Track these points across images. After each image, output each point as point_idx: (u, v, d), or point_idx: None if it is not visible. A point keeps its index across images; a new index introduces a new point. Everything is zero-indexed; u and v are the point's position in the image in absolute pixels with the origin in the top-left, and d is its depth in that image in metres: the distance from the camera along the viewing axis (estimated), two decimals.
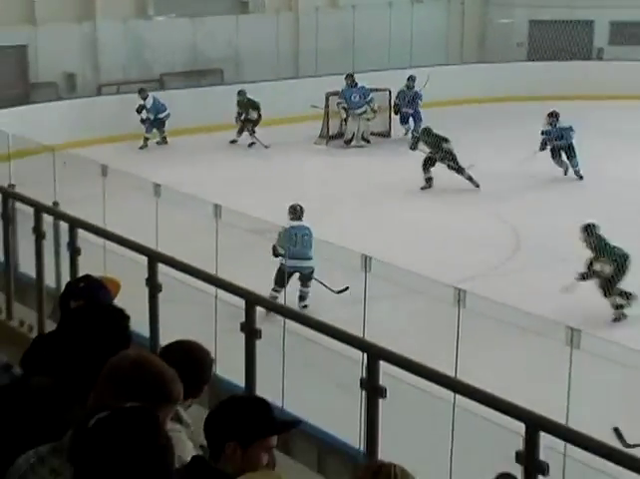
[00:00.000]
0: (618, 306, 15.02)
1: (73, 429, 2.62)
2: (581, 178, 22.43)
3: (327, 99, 25.74)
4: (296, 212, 15.49)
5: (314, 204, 19.25)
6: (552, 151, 22.52)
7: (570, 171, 22.55)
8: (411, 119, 25.63)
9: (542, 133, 22.39)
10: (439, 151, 21.55)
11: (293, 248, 14.80)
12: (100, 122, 24.08)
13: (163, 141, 25.27)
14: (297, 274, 14.75)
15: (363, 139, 25.45)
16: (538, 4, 30.68)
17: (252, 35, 28.39)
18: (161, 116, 24.72)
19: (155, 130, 24.95)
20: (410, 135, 25.21)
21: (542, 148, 22.40)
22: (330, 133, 25.88)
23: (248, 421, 3.93)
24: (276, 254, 14.67)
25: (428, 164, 21.68)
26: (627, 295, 15.21)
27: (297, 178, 21.82)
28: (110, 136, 23.66)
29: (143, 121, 24.87)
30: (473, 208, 19.82)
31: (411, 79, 25.67)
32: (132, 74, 27.00)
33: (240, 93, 25.25)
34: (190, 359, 4.26)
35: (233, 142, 25.50)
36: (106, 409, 2.56)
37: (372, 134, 25.66)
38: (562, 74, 28.90)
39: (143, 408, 2.65)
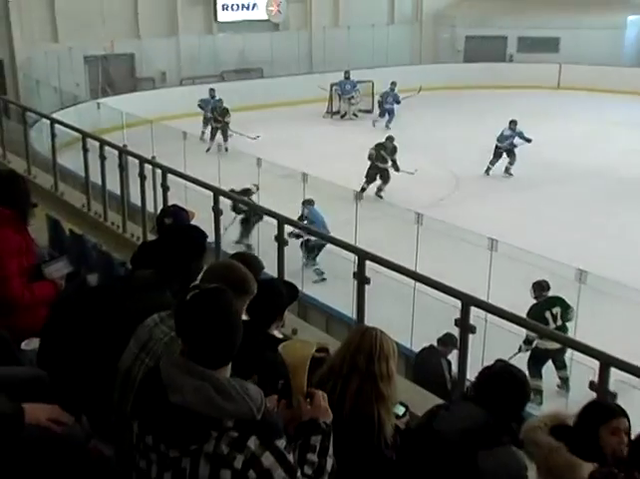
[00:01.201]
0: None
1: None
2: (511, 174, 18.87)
3: (331, 87, 25.56)
4: (311, 202, 13.28)
5: (322, 155, 19.26)
6: (497, 149, 18.85)
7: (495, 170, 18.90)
8: (386, 114, 24.25)
9: (505, 138, 18.72)
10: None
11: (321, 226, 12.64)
12: (181, 103, 23.94)
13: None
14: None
15: (354, 114, 25.36)
16: (470, 25, 30.39)
17: (281, 45, 28.22)
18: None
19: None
20: (385, 125, 23.48)
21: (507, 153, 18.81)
22: (333, 110, 25.74)
23: (286, 296, 3.96)
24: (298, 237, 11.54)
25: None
26: None
27: (311, 139, 21.79)
28: (188, 113, 23.49)
29: (207, 120, 22.21)
30: (428, 160, 19.75)
31: (393, 84, 24.32)
32: (202, 71, 26.80)
33: (219, 100, 21.91)
34: (248, 264, 4.23)
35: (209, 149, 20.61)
36: (198, 289, 2.57)
37: (360, 111, 25.55)
38: (486, 71, 28.73)
39: (222, 288, 2.62)
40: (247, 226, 13.12)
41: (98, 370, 3.21)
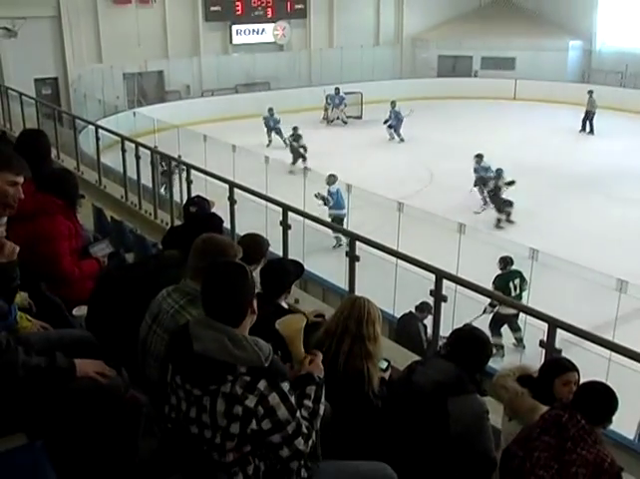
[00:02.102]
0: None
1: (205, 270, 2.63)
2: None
3: (327, 98, 25.34)
4: (334, 178, 13.49)
5: (320, 152, 19.14)
6: (476, 183, 16.08)
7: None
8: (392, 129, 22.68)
9: (475, 171, 16.22)
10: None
11: (342, 202, 13.30)
12: (202, 111, 23.92)
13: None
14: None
15: (343, 121, 24.98)
16: (442, 46, 30.21)
17: (285, 63, 28.12)
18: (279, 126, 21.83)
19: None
20: (395, 137, 22.30)
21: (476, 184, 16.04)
22: (328, 117, 25.39)
23: (293, 273, 3.93)
24: (325, 204, 13.08)
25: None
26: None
27: (311, 140, 21.61)
28: (209, 119, 23.47)
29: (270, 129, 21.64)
30: (406, 158, 19.69)
31: (393, 103, 22.73)
32: (219, 85, 26.67)
33: (295, 128, 19.40)
34: (256, 243, 4.22)
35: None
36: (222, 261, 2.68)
37: (349, 117, 25.17)
38: (455, 85, 28.56)
39: (232, 261, 2.75)
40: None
41: (134, 331, 3.21)
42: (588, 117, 23.44)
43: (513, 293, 9.53)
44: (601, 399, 3.09)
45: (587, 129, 23.43)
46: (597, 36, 29.60)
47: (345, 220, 13.00)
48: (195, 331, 2.49)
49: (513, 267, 9.87)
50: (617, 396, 3.10)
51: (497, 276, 9.70)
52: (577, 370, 3.57)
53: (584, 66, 29.65)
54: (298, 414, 2.48)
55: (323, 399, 2.68)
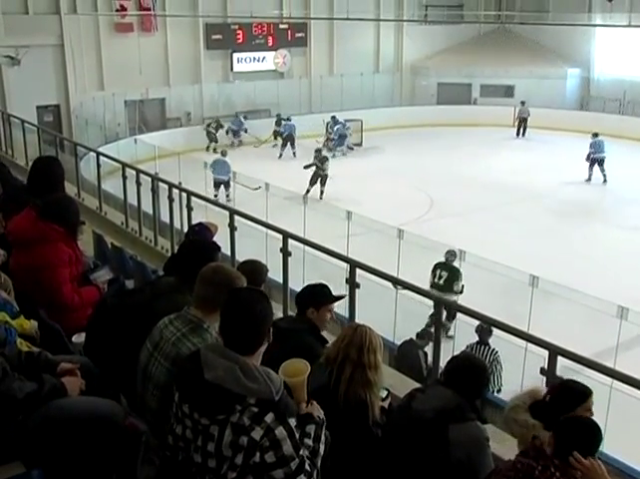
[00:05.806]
0: None
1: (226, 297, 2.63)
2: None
3: (327, 126, 25.37)
4: (225, 152, 18.10)
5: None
6: None
7: None
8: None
9: None
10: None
11: (220, 169, 17.43)
12: (204, 138, 24.05)
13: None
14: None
15: (348, 147, 24.85)
16: (442, 74, 30.41)
17: (286, 90, 28.17)
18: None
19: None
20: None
21: None
22: (328, 145, 25.28)
23: (321, 294, 3.94)
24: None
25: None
26: None
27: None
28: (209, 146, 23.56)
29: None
30: (406, 184, 19.73)
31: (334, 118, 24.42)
32: (220, 112, 26.75)
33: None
34: (255, 269, 4.22)
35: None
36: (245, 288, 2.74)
37: (353, 144, 25.18)
38: (455, 112, 28.72)
39: (250, 289, 2.76)
40: None
41: (133, 358, 3.20)
42: (522, 123, 26.70)
43: (435, 280, 10.51)
44: (583, 436, 2.92)
45: (521, 134, 26.70)
46: (595, 64, 29.92)
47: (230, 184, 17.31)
48: (207, 359, 2.48)
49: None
50: (600, 431, 2.94)
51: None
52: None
53: (583, 93, 29.92)
54: (302, 452, 2.46)
55: (323, 438, 2.68)
